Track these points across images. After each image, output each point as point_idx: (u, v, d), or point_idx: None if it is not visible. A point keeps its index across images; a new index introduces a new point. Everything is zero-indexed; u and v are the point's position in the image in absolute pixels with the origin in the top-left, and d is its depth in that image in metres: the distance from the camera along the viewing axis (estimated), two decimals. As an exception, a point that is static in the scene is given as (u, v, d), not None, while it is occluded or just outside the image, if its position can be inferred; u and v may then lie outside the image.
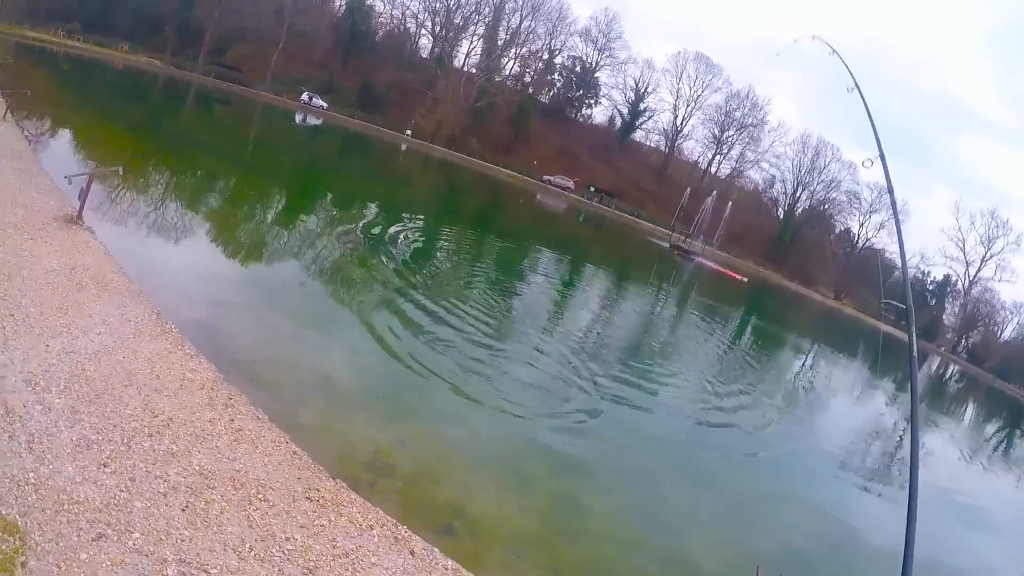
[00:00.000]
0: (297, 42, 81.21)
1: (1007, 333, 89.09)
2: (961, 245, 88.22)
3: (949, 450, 27.50)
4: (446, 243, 30.82)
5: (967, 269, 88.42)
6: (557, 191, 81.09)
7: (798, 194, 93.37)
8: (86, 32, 64.83)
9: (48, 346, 6.43)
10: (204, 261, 13.59)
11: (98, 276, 8.57)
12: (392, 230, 26.80)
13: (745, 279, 59.41)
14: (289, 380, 8.97)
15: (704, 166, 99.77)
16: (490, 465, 9.40)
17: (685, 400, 17.41)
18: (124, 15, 72.74)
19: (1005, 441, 39.97)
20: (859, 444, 22.35)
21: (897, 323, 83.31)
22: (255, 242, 17.63)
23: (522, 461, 10.12)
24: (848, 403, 30.09)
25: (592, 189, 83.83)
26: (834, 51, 9.19)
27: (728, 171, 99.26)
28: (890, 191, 7.52)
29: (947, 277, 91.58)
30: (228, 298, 11.30)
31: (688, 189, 73.45)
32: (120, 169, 11.27)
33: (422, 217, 36.16)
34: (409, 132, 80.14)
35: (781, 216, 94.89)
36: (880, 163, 6.91)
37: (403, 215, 32.80)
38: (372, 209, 32.96)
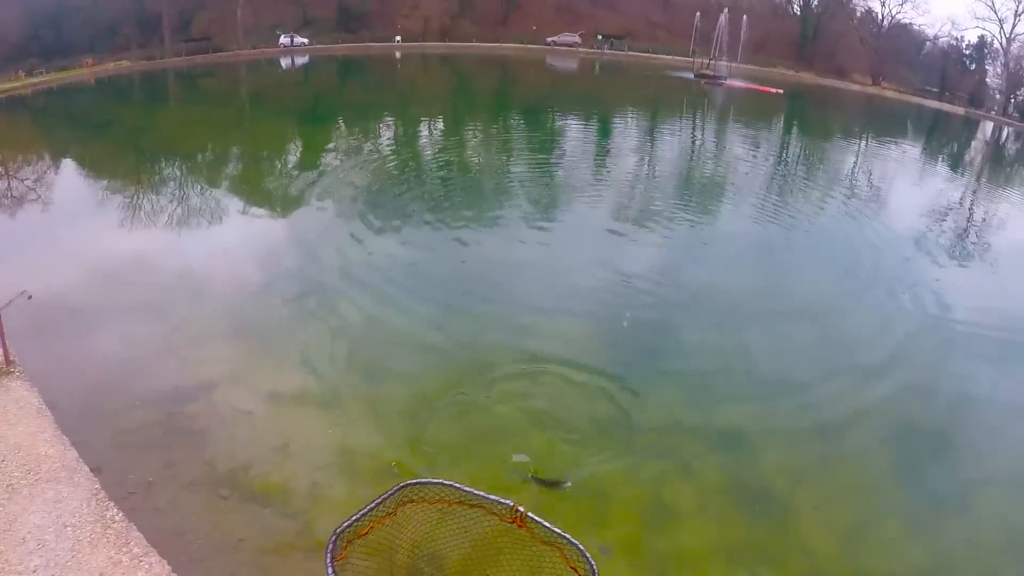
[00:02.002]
0: (258, -13, 75.37)
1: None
2: (990, 3, 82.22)
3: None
4: (473, 140, 30.70)
5: (1001, 27, 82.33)
6: (565, 49, 78.36)
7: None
8: (47, 62, 61.35)
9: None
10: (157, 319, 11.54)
11: (30, 459, 7.41)
12: (417, 155, 26.82)
13: (780, 91, 57.03)
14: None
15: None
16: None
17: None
18: (77, 31, 68.94)
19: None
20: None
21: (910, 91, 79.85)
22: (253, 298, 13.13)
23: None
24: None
25: (600, 37, 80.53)
26: None
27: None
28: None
29: (982, 39, 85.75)
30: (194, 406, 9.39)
31: (698, 13, 70.09)
32: (28, 292, 9.46)
33: (440, 120, 35.93)
34: (399, 38, 77.48)
35: (799, 13, 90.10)
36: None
37: (420, 129, 32.79)
38: (389, 134, 32.19)
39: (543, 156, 25.98)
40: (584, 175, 22.98)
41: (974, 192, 31.17)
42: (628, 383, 10.02)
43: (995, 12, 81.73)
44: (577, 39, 79.47)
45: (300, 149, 27.75)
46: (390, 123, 33.98)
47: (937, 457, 9.24)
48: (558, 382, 9.96)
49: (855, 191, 25.57)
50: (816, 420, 9.78)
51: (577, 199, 19.58)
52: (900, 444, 9.43)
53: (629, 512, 7.77)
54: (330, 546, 4.55)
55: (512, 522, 4.99)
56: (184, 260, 14.06)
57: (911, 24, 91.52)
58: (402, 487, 5.08)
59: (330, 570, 4.43)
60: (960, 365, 11.84)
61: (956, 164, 40.87)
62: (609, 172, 24.06)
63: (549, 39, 79.45)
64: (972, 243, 21.31)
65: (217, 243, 15.68)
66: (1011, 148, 60.08)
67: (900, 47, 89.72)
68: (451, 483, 5.16)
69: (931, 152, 44.17)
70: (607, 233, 16.53)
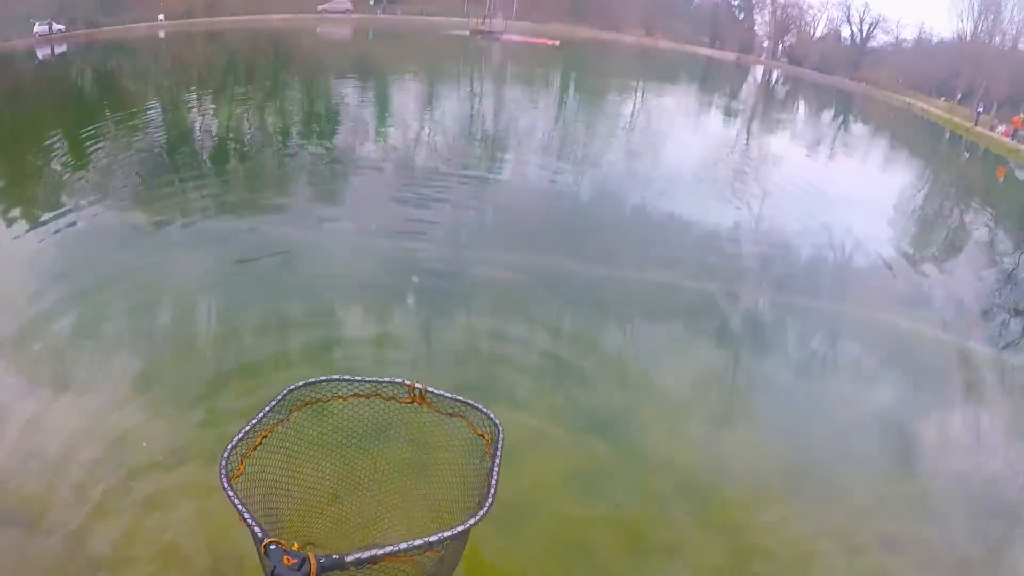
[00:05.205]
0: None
1: (819, 31, 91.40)
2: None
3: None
4: (242, 115, 26.37)
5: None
6: (337, 17, 73.81)
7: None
8: None
9: None
10: None
11: None
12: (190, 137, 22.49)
13: (557, 42, 57.01)
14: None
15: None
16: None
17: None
18: None
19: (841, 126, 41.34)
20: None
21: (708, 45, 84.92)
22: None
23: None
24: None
25: (372, 2, 76.82)
26: None
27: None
28: None
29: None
30: None
31: (471, -31, 68.45)
32: None
33: (211, 97, 30.95)
34: (162, 16, 70.04)
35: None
36: None
37: (189, 106, 27.92)
38: (159, 117, 26.80)
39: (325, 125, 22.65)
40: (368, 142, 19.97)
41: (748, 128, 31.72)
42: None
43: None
44: (348, 5, 75.05)
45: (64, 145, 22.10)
46: (161, 106, 28.55)
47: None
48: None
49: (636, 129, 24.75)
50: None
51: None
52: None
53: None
54: (223, 463, 3.70)
55: (412, 401, 4.62)
56: None
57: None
58: (289, 391, 4.34)
59: (227, 488, 3.57)
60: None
61: (731, 102, 42.25)
62: (392, 134, 21.16)
63: (320, 7, 74.43)
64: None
65: None
66: (780, 89, 64.37)
67: (672, 1, 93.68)
68: (340, 377, 4.58)
69: (707, 92, 45.44)
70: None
